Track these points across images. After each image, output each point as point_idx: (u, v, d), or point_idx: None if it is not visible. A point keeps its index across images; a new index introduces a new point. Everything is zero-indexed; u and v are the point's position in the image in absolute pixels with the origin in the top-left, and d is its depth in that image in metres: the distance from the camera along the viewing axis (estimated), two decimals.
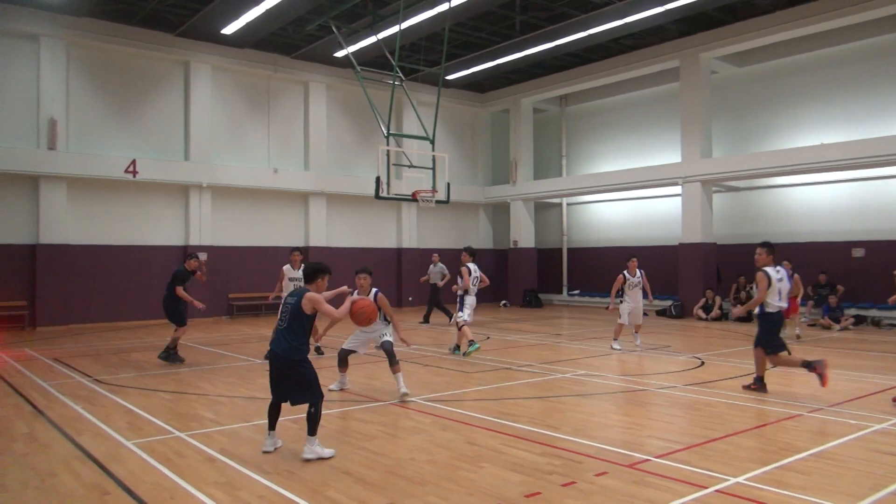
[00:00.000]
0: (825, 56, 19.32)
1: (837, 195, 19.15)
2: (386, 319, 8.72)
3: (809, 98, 19.69)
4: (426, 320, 18.55)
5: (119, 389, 9.19)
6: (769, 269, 8.96)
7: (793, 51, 19.66)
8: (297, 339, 6.01)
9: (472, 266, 12.55)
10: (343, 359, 8.94)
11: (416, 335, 15.13)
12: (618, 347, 13.14)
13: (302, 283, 11.89)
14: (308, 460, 5.86)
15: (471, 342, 11.87)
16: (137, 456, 6.05)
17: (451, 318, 16.65)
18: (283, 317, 6.10)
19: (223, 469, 5.67)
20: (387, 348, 8.56)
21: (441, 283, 18.55)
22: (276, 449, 6.20)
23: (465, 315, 12.17)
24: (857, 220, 18.57)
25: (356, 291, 8.34)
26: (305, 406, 6.01)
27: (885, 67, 18.22)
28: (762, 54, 20.42)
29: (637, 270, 13.36)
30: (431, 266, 19.01)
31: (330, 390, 8.73)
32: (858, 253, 18.17)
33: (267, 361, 11.60)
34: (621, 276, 13.34)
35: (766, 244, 9.28)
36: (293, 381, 6.02)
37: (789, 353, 9.25)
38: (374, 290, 8.56)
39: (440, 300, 18.59)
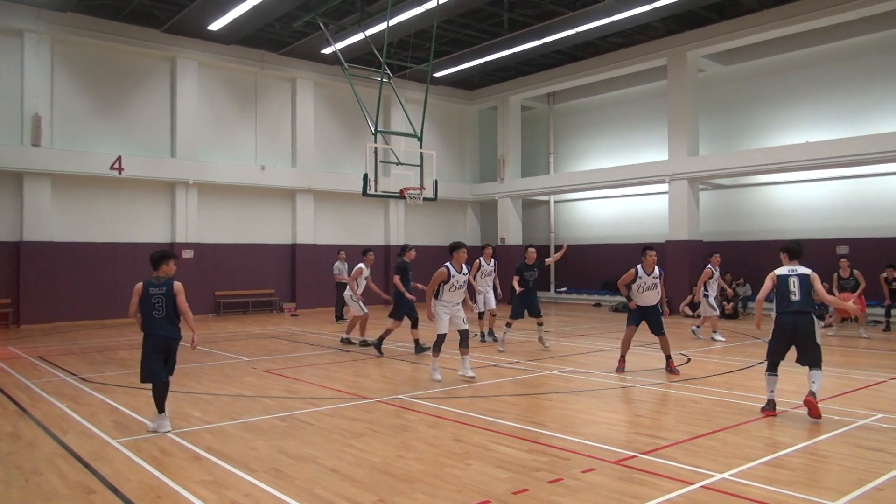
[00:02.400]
0: (812, 55, 19.46)
1: (823, 193, 19.32)
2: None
3: (796, 96, 19.83)
4: (341, 317, 18.54)
5: (104, 388, 9.13)
6: None
7: (779, 49, 19.79)
8: (177, 323, 7.03)
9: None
10: (442, 344, 9.46)
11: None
12: (722, 338, 13.89)
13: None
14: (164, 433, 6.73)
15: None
16: (123, 454, 6.02)
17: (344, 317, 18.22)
18: (158, 308, 6.89)
19: (210, 467, 5.65)
20: (464, 335, 9.57)
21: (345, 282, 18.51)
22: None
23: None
24: (843, 217, 18.74)
25: (450, 263, 9.38)
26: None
27: (872, 66, 18.38)
28: (749, 53, 20.54)
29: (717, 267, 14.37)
30: (339, 263, 18.50)
31: (436, 381, 9.32)
32: (843, 250, 18.31)
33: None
34: (709, 269, 14.11)
35: None
36: (173, 357, 7.04)
37: None
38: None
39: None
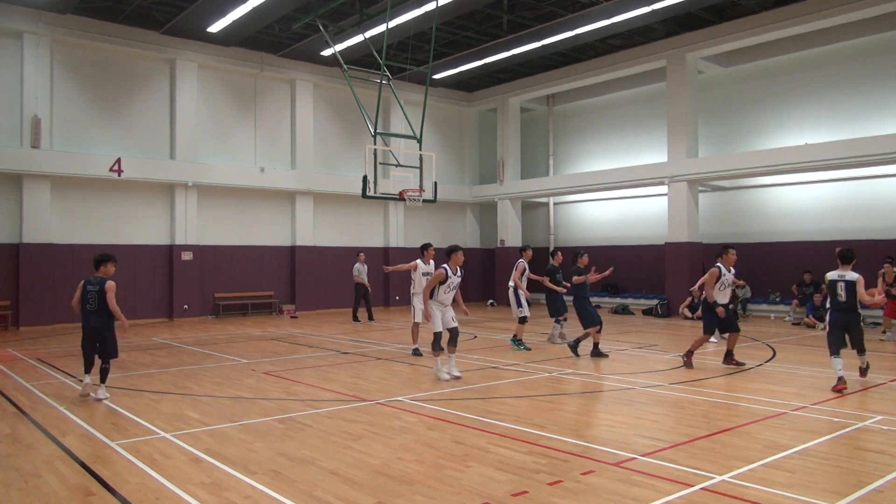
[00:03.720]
0: (810, 57, 19.48)
1: (822, 195, 19.33)
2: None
3: (794, 98, 19.85)
4: (371, 317, 19.05)
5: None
6: None
7: (778, 51, 19.83)
8: (106, 316, 8.34)
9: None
10: (440, 341, 9.67)
11: (401, 335, 15.10)
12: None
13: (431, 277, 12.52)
14: (100, 399, 8.31)
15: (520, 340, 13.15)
16: (122, 457, 6.01)
17: (371, 318, 19.03)
18: (91, 301, 8.31)
19: (209, 469, 5.64)
20: (455, 333, 9.81)
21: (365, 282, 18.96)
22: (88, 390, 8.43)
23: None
24: (842, 219, 18.75)
25: (447, 265, 9.76)
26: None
27: (870, 68, 18.40)
28: (748, 55, 20.57)
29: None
30: (359, 265, 18.97)
31: (452, 378, 9.60)
32: None
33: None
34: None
35: None
36: (105, 343, 8.38)
37: None
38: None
39: (369, 299, 19.15)
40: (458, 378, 9.71)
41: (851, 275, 8.93)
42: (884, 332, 14.68)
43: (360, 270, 18.91)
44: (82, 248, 18.63)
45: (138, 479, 5.41)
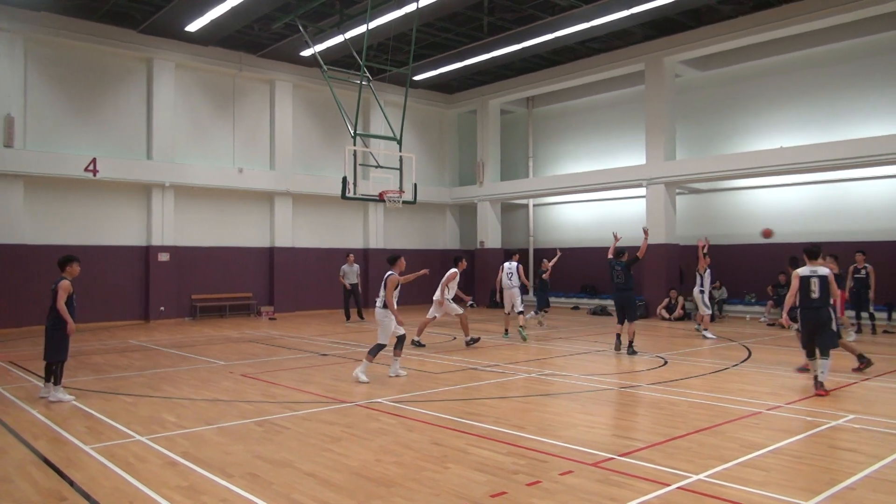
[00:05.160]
0: (786, 61, 19.75)
1: (797, 197, 19.60)
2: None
3: (771, 102, 20.12)
4: (361, 317, 19.26)
5: (78, 393, 9.00)
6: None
7: (755, 56, 20.08)
8: (54, 316, 8.41)
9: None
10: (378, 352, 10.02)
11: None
12: (712, 336, 14.72)
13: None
14: (52, 402, 8.34)
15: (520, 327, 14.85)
16: (96, 461, 5.93)
17: (361, 317, 19.30)
18: (50, 301, 8.45)
19: (186, 473, 5.58)
20: (402, 339, 10.15)
21: (354, 283, 19.16)
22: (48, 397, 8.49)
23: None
24: (817, 221, 19.01)
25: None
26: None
27: (845, 72, 18.69)
28: (725, 59, 20.80)
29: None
30: (346, 266, 19.12)
31: (362, 383, 9.62)
32: None
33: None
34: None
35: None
36: (47, 343, 8.54)
37: None
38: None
39: (360, 299, 19.33)
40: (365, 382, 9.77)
41: (823, 270, 8.77)
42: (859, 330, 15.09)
43: (345, 272, 18.91)
44: (56, 250, 18.22)
45: (113, 483, 5.34)
